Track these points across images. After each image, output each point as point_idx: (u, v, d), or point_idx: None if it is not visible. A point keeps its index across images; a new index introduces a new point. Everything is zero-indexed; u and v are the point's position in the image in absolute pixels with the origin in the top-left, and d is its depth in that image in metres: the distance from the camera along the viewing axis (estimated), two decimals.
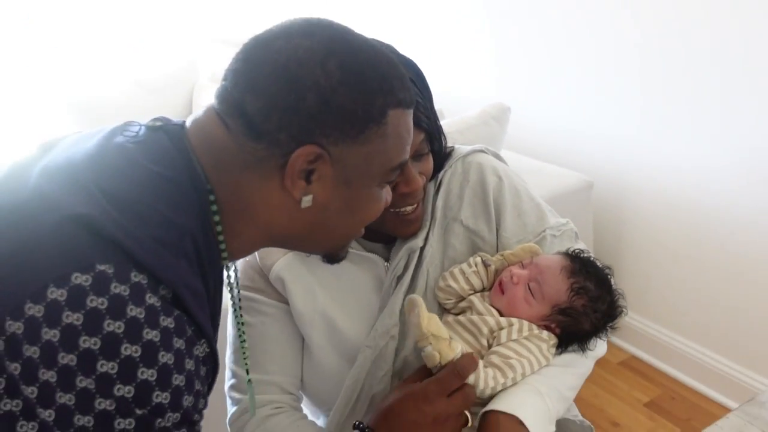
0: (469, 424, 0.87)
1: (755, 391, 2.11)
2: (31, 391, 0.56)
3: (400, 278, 1.02)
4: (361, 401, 0.98)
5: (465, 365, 0.85)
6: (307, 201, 0.71)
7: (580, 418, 1.08)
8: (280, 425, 1.00)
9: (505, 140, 2.20)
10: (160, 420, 0.61)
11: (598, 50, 2.32)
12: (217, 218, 0.70)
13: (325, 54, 0.67)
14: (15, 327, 0.56)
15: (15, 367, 0.55)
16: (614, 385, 2.34)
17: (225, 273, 0.84)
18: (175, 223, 0.66)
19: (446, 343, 0.85)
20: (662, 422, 2.19)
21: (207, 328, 0.68)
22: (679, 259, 2.25)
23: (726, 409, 2.19)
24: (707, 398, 2.26)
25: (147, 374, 0.60)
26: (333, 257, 0.90)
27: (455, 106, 2.54)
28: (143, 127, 0.72)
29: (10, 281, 0.58)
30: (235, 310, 0.98)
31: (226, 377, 1.06)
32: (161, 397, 0.61)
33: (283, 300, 1.04)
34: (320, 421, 1.11)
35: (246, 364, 0.95)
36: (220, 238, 0.72)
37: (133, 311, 0.59)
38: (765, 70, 1.89)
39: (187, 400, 0.63)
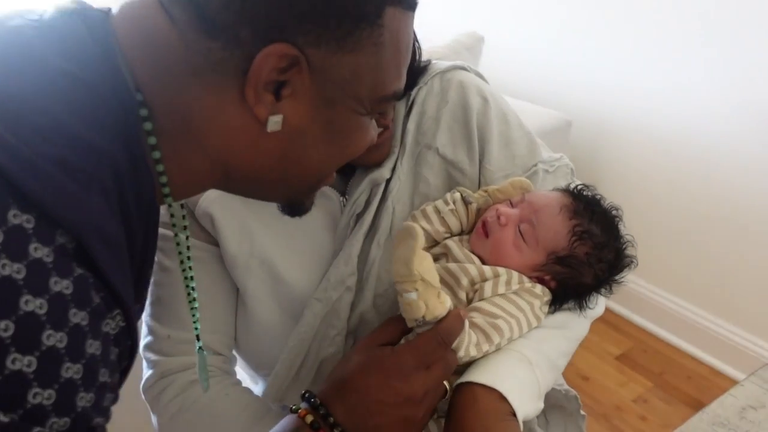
0: (447, 396, 0.69)
1: (732, 344, 2.02)
2: None
3: (359, 216, 0.82)
4: (307, 366, 0.79)
5: (451, 328, 0.66)
6: (275, 123, 0.52)
7: (566, 387, 0.91)
8: (205, 394, 0.81)
9: None
10: (38, 429, 0.41)
11: None
12: (153, 141, 0.51)
13: None
14: None
15: None
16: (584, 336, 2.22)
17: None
18: (88, 144, 0.46)
19: (436, 294, 0.65)
20: (633, 376, 2.08)
21: (125, 293, 0.47)
22: (658, 204, 2.14)
23: (700, 363, 2.10)
24: (681, 351, 2.16)
25: (21, 363, 0.40)
26: (297, 206, 0.69)
27: (423, 34, 2.31)
28: (51, 9, 0.50)
29: None
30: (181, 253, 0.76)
31: (142, 333, 0.86)
32: (42, 396, 0.40)
33: (212, 241, 0.84)
34: (258, 388, 0.93)
35: (195, 320, 0.74)
36: (159, 168, 0.52)
37: (7, 269, 0.39)
38: (754, 5, 1.75)
39: (84, 399, 0.43)
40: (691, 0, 1.88)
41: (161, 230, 0.83)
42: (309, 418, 0.62)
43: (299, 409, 0.63)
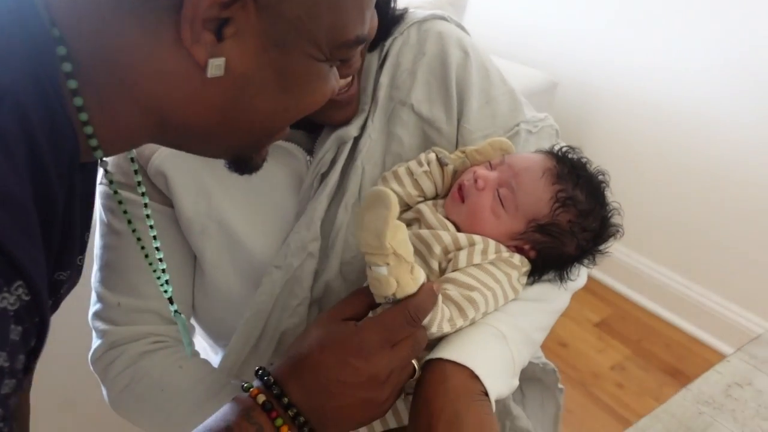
0: (416, 376, 0.64)
1: (711, 312, 2.01)
2: None
3: (324, 177, 0.76)
4: (267, 339, 0.74)
5: (422, 305, 0.59)
6: (216, 67, 0.45)
7: (544, 360, 0.87)
8: (157, 366, 0.75)
9: None
10: None
11: None
12: (73, 85, 0.44)
13: None
14: None
15: None
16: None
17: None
18: None
19: (408, 269, 0.58)
20: (612, 343, 2.07)
21: (30, 262, 0.40)
22: (643, 168, 2.11)
23: (679, 330, 2.09)
24: (659, 318, 2.15)
25: None
26: (245, 163, 0.60)
27: None
28: None
29: None
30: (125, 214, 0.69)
31: (91, 301, 0.80)
32: None
33: (167, 202, 0.77)
34: (218, 358, 0.87)
35: (163, 283, 0.68)
36: (83, 117, 0.45)
37: None
38: None
39: None
40: None
41: (113, 190, 0.76)
42: (261, 398, 0.56)
43: (251, 387, 0.58)
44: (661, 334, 2.09)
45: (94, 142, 0.47)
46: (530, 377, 0.87)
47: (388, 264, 0.57)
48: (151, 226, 0.68)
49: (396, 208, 0.57)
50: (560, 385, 0.89)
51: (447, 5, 1.92)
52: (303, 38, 0.47)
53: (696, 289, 2.06)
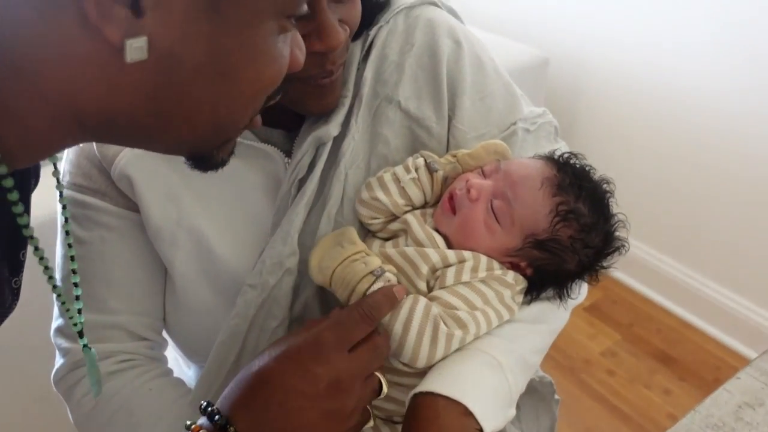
0: (383, 394, 0.59)
1: (700, 294, 1.97)
2: None
3: (303, 182, 0.69)
4: (243, 363, 0.67)
5: (377, 303, 0.57)
6: (136, 49, 0.37)
7: (540, 373, 0.82)
8: (126, 388, 0.70)
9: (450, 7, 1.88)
10: None
11: None
12: None
13: None
14: None
15: None
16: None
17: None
18: None
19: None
20: (602, 327, 2.04)
21: None
22: (636, 148, 2.06)
23: (670, 314, 2.06)
24: (651, 302, 2.12)
25: None
26: (205, 161, 0.51)
27: None
28: None
29: None
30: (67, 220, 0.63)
31: (54, 316, 0.74)
32: None
33: (133, 207, 0.70)
34: (191, 372, 0.82)
35: (75, 309, 0.61)
36: None
37: None
38: None
39: None
40: None
41: (76, 195, 0.70)
42: None
43: (193, 424, 0.52)
44: (652, 318, 2.06)
45: None
46: (526, 390, 0.83)
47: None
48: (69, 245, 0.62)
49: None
50: (556, 396, 0.85)
51: None
52: None
53: (688, 273, 2.03)
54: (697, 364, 1.90)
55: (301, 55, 0.48)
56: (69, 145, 0.46)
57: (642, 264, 2.12)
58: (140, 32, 0.37)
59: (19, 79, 0.38)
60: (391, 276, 0.60)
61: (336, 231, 0.65)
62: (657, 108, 1.97)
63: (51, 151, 0.46)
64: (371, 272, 0.59)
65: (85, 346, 0.61)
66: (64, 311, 0.69)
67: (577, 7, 2.10)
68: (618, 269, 2.19)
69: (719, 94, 1.81)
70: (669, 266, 2.07)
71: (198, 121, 0.44)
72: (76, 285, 0.60)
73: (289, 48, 0.45)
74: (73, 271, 0.61)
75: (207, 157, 0.50)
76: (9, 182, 0.41)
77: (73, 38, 0.37)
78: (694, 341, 1.97)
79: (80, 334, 0.60)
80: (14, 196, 0.43)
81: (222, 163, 0.52)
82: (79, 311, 0.60)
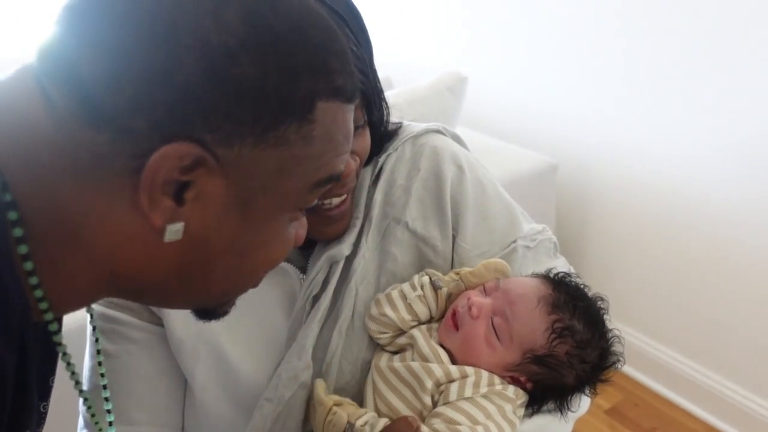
0: None
1: (725, 398, 1.93)
2: None
3: (317, 299, 0.74)
4: None
5: None
6: (174, 232, 0.44)
7: None
8: None
9: (460, 115, 1.99)
10: None
11: (567, 22, 2.11)
12: (23, 250, 0.42)
13: None
14: None
15: None
16: None
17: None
18: None
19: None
20: (624, 431, 1.99)
21: None
22: (648, 252, 2.07)
23: (693, 417, 2.01)
24: (674, 405, 2.07)
25: None
26: (207, 313, 0.59)
27: (405, 75, 2.28)
28: None
29: None
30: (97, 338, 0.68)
31: (79, 426, 0.78)
32: None
33: (157, 321, 0.76)
34: None
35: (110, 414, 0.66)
36: (32, 281, 0.43)
37: None
38: (748, 47, 1.70)
39: None
40: (679, 46, 1.84)
41: (105, 310, 0.76)
42: None
43: None
44: (675, 421, 2.01)
45: (44, 305, 0.45)
46: None
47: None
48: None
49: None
50: None
51: (446, 90, 1.94)
52: (268, 196, 0.46)
53: (712, 376, 1.99)
54: None
55: (303, 233, 0.54)
56: (98, 300, 0.52)
57: (663, 366, 2.10)
58: (179, 218, 0.43)
59: (74, 246, 0.44)
60: (358, 427, 0.64)
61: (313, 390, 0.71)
62: (667, 214, 2.00)
63: (85, 303, 0.52)
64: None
65: None
66: (93, 423, 0.73)
67: (586, 114, 2.17)
68: (640, 371, 2.16)
69: (730, 202, 1.84)
70: (692, 369, 2.04)
71: (213, 288, 0.51)
72: (107, 399, 0.64)
73: (295, 229, 0.53)
74: (104, 387, 0.65)
75: (211, 311, 0.58)
76: (54, 326, 0.48)
77: (123, 219, 0.43)
78: None
79: None
80: (59, 338, 0.49)
81: (224, 314, 0.59)
82: (111, 423, 0.64)
